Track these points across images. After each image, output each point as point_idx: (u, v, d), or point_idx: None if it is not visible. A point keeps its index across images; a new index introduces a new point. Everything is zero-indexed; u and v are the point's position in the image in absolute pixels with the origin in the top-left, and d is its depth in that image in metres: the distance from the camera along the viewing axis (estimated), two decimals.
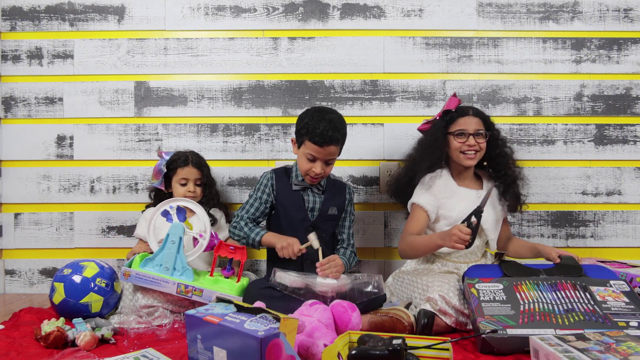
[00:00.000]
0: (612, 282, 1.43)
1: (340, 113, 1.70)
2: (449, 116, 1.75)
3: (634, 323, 1.28)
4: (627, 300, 1.36)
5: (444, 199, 1.74)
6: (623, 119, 2.08)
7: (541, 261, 1.67)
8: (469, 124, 1.72)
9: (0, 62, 2.07)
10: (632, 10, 2.07)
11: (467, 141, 1.71)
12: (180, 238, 1.57)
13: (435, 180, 1.76)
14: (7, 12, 2.07)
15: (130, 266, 1.58)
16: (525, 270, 1.47)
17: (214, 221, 1.87)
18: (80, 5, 2.08)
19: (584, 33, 2.08)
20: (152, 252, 1.64)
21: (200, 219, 1.66)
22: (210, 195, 1.90)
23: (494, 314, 1.28)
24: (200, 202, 1.82)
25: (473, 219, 1.52)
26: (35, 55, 2.07)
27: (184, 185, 1.85)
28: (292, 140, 1.75)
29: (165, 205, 1.64)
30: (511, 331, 1.23)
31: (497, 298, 1.33)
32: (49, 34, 2.08)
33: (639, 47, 2.08)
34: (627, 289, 1.41)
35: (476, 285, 1.37)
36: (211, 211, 1.89)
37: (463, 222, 1.54)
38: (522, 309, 1.30)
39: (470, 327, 1.47)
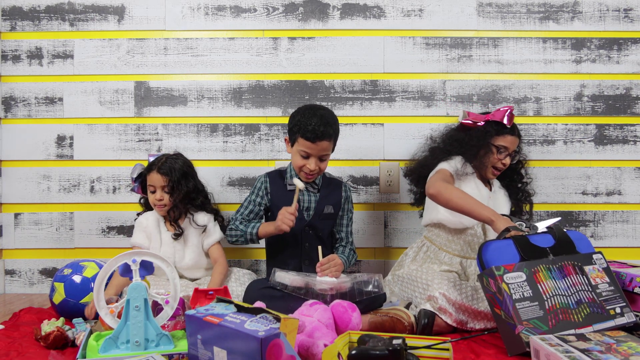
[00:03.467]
0: (594, 256, 1.47)
1: (331, 110, 1.72)
2: (499, 127, 1.75)
3: (618, 309, 1.35)
4: (608, 280, 1.42)
5: (463, 180, 1.76)
6: (623, 119, 2.08)
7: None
8: (513, 143, 1.77)
9: (0, 62, 2.07)
10: (632, 10, 2.07)
11: (503, 159, 1.76)
12: (146, 300, 1.22)
13: (461, 163, 1.76)
14: (7, 12, 2.07)
15: (84, 356, 1.18)
16: (536, 250, 1.45)
17: (203, 228, 1.77)
18: (80, 5, 2.07)
19: (584, 33, 2.08)
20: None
21: (170, 280, 1.28)
22: (182, 202, 1.73)
23: (529, 317, 1.27)
24: (176, 209, 1.72)
25: (524, 227, 1.54)
26: (35, 55, 2.07)
27: (153, 192, 1.74)
28: (285, 140, 1.76)
29: (126, 257, 1.24)
30: (545, 336, 1.23)
31: (525, 294, 1.32)
32: (49, 34, 2.08)
33: (639, 47, 2.08)
34: (605, 264, 1.46)
35: (505, 278, 1.34)
36: (197, 217, 1.78)
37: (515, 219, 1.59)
38: (547, 306, 1.31)
39: (471, 325, 1.47)
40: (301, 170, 1.69)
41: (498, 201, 1.82)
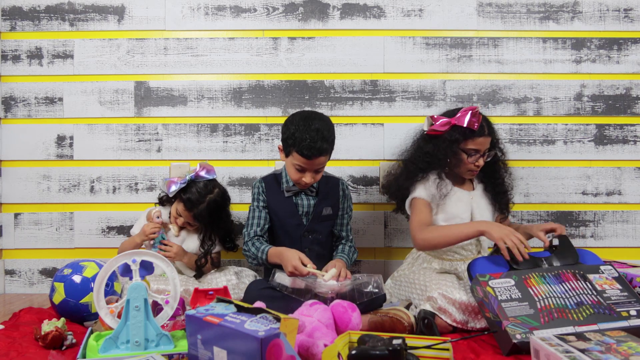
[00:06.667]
0: (602, 267, 1.46)
1: (327, 117, 1.68)
2: (466, 130, 1.64)
3: (633, 312, 1.32)
4: (620, 287, 1.39)
5: (442, 197, 1.70)
6: (623, 119, 2.08)
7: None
8: (483, 144, 1.67)
9: (0, 62, 2.07)
10: (632, 10, 2.07)
11: (476, 162, 1.67)
12: (145, 300, 1.21)
13: (433, 179, 1.71)
14: (7, 12, 2.07)
15: (84, 356, 1.18)
16: (528, 261, 1.46)
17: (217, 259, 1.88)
18: (80, 5, 2.07)
19: (584, 33, 2.08)
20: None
21: (170, 280, 1.28)
22: (207, 233, 1.79)
23: (517, 314, 1.27)
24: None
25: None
26: (35, 55, 2.07)
27: (178, 216, 1.78)
28: (278, 147, 1.72)
29: (126, 257, 1.24)
30: (537, 332, 1.23)
31: (513, 296, 1.32)
32: (49, 34, 2.08)
33: (639, 47, 2.08)
34: (616, 274, 1.44)
35: (490, 283, 1.35)
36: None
37: None
38: (538, 306, 1.30)
39: (472, 325, 1.47)
40: (297, 182, 1.67)
41: (479, 201, 1.77)
